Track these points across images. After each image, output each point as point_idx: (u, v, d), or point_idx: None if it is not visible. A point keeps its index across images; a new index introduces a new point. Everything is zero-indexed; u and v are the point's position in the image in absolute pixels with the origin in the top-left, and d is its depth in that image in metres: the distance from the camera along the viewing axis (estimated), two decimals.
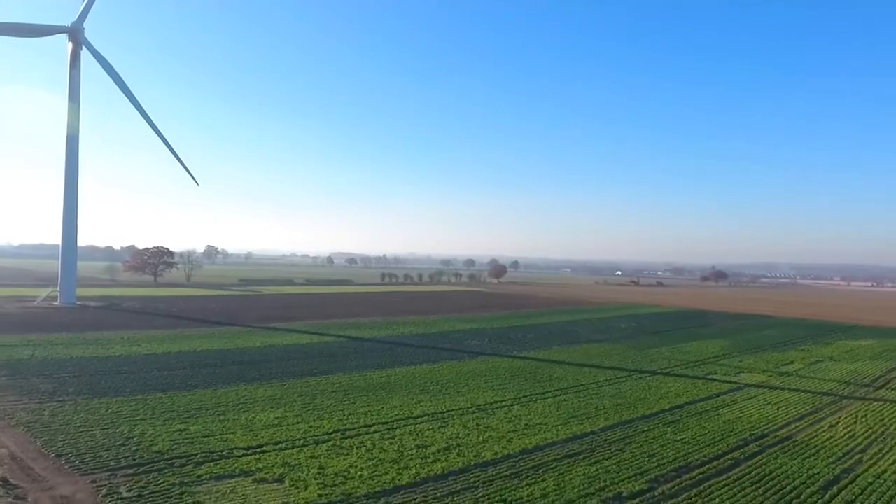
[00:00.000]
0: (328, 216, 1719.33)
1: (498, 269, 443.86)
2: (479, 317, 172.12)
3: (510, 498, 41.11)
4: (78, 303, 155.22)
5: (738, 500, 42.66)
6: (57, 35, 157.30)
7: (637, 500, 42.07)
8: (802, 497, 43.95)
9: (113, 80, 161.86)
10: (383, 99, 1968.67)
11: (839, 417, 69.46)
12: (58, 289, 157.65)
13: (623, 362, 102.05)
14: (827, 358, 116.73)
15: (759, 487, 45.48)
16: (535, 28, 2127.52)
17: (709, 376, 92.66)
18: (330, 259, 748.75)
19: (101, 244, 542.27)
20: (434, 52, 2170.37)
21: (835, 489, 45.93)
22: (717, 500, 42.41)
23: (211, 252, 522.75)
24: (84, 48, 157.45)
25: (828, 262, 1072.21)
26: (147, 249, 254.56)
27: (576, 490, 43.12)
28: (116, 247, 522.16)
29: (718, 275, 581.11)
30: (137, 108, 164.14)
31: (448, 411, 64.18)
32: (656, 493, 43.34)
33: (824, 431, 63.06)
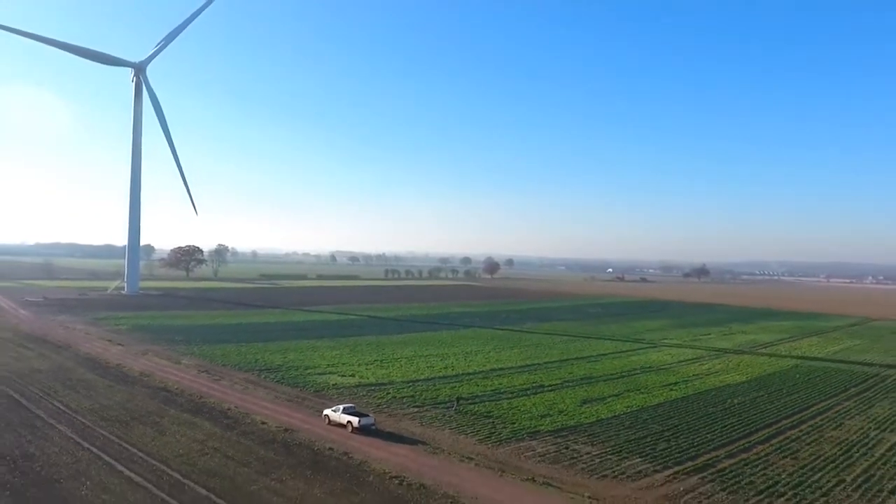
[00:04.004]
0: (328, 216, 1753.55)
1: (491, 265, 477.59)
2: (471, 303, 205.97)
3: (480, 383, 74.55)
4: (141, 291, 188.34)
5: (609, 387, 75.99)
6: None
7: (551, 387, 75.36)
8: (648, 387, 77.28)
9: (155, 110, 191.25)
10: (382, 101, 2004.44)
11: (710, 361, 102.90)
12: (124, 280, 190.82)
13: (578, 332, 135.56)
14: (739, 332, 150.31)
15: (626, 384, 78.78)
16: (531, 30, 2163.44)
17: (638, 340, 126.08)
18: (333, 257, 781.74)
19: (119, 243, 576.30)
20: (433, 53, 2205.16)
21: (671, 386, 79.29)
22: (596, 387, 75.80)
23: (222, 250, 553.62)
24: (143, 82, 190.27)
25: (820, 260, 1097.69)
26: (180, 248, 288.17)
27: (518, 382, 76.54)
28: None
29: (701, 271, 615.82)
30: (165, 135, 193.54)
31: (446, 354, 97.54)
32: (563, 385, 76.78)
33: (692, 367, 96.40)
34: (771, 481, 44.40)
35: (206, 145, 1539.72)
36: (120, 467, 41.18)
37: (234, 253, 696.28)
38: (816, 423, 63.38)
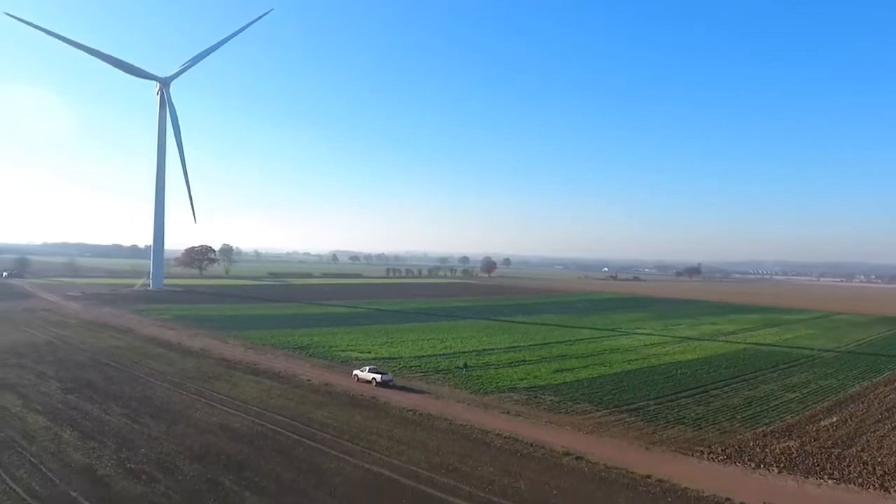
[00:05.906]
0: (328, 216, 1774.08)
1: (488, 264, 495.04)
2: (468, 299, 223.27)
3: (473, 359, 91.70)
4: (165, 288, 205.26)
5: (578, 363, 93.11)
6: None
7: (530, 362, 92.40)
8: (611, 363, 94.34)
9: (171, 121, 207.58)
10: (382, 102, 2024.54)
11: (672, 346, 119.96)
12: (149, 278, 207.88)
13: (562, 322, 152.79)
14: (709, 323, 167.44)
15: (593, 360, 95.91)
16: (530, 29, 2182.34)
17: (614, 329, 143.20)
18: (335, 256, 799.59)
19: (126, 243, 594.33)
20: (430, 53, 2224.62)
21: (630, 361, 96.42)
22: (567, 362, 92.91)
23: (228, 250, 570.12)
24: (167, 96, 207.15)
25: (817, 259, 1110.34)
26: (193, 248, 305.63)
27: (504, 358, 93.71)
28: (141, 245, 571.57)
29: (693, 270, 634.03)
30: (178, 145, 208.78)
31: (444, 338, 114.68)
32: (541, 360, 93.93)
33: (654, 349, 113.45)
34: (680, 417, 61.61)
35: (206, 145, 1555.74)
36: (215, 404, 58.26)
37: (239, 252, 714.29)
38: (737, 386, 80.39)
